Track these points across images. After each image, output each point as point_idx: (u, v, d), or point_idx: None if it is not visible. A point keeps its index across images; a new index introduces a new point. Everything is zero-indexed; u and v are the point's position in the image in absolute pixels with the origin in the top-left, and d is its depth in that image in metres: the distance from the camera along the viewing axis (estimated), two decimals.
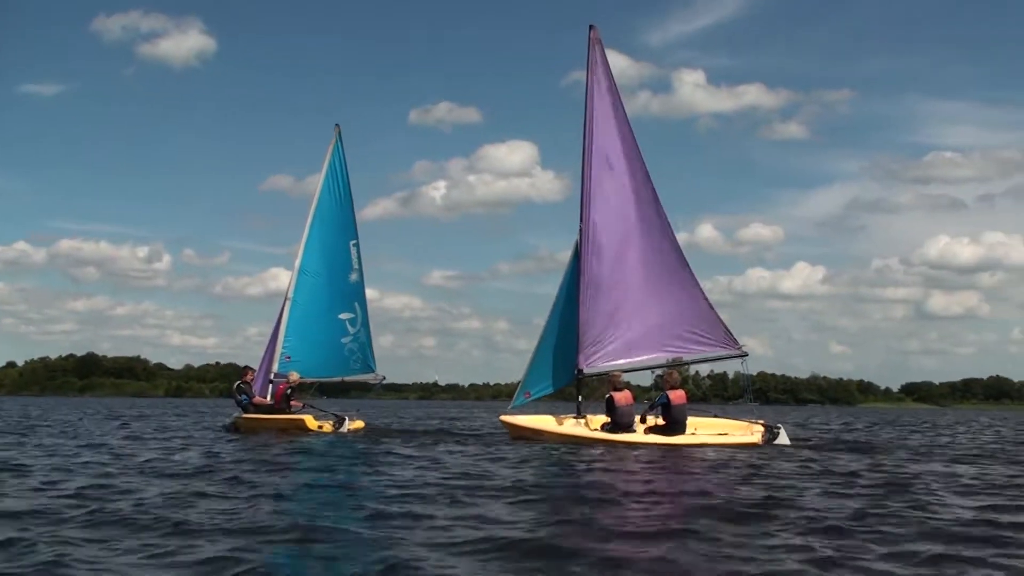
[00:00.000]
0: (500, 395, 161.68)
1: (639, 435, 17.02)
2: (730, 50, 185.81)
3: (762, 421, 17.83)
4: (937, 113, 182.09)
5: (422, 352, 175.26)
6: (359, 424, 21.31)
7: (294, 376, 21.04)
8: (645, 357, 18.55)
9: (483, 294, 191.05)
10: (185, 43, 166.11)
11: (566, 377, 18.88)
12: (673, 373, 17.51)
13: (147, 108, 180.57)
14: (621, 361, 18.48)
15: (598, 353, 18.60)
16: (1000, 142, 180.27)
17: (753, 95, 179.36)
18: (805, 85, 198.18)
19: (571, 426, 17.77)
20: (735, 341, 18.63)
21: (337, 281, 22.56)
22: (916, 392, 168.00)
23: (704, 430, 17.59)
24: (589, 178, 19.05)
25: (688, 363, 19.04)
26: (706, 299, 18.83)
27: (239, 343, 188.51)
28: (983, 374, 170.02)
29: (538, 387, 19.12)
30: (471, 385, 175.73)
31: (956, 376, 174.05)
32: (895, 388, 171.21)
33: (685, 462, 13.62)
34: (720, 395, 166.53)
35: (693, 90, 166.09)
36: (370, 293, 22.99)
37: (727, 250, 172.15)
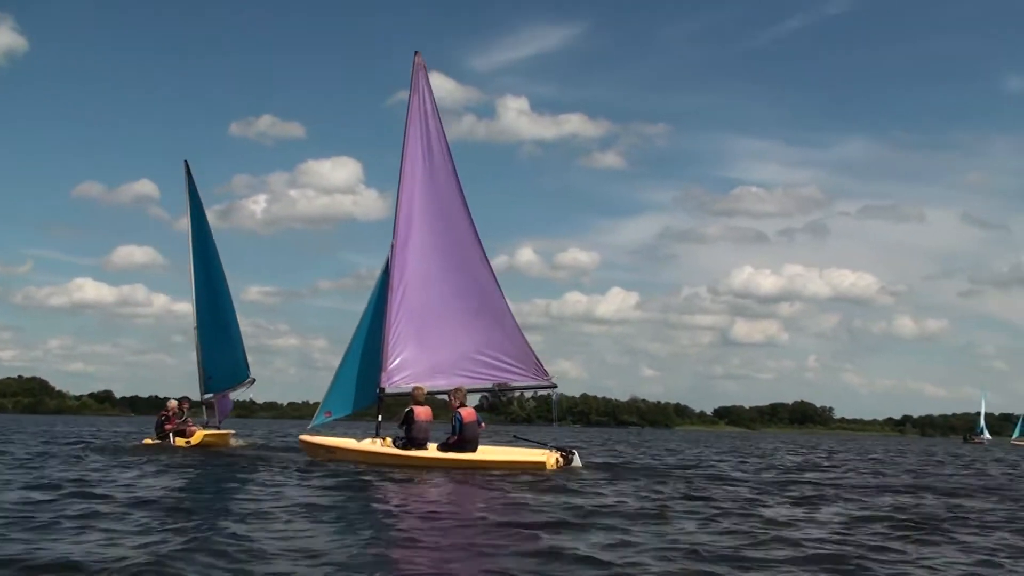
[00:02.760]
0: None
1: (431, 452, 16.99)
2: (553, 79, 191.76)
3: (558, 447, 17.53)
4: (744, 150, 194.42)
5: None
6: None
7: (171, 404, 22.97)
8: (450, 382, 18.40)
9: (302, 311, 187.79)
10: None
11: (369, 397, 18.56)
12: (460, 391, 17.34)
13: None
14: (424, 384, 18.26)
15: (401, 374, 18.37)
16: (800, 179, 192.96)
17: (575, 124, 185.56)
18: (624, 117, 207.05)
19: (366, 444, 17.63)
20: (545, 372, 18.72)
21: (221, 298, 25.19)
22: (728, 415, 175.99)
23: (500, 453, 17.61)
24: (406, 198, 18.87)
25: (496, 391, 19.01)
26: (518, 329, 18.86)
27: (39, 355, 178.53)
28: (780, 399, 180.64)
29: (339, 407, 18.77)
30: (290, 403, 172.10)
31: (756, 400, 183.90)
32: (704, 411, 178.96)
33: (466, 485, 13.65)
34: (544, 416, 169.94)
35: (517, 116, 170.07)
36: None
37: (546, 273, 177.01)
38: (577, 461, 17.29)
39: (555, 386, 18.82)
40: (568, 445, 18.18)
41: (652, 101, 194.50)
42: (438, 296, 18.72)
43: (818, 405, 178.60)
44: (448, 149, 18.91)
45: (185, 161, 25.23)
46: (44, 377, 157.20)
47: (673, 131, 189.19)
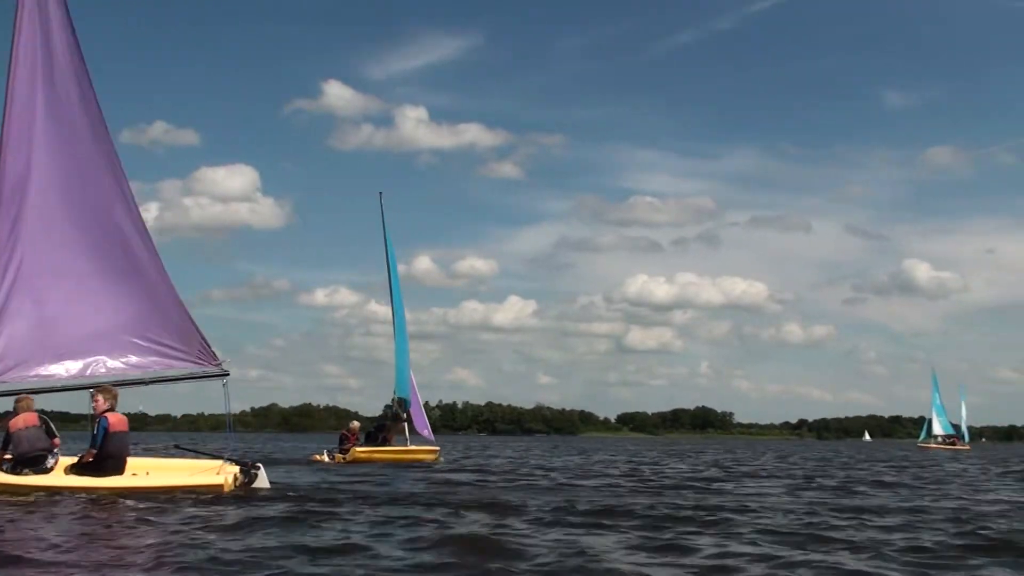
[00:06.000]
0: (220, 426, 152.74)
1: (56, 476, 12.25)
2: (451, 89, 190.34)
3: (237, 460, 13.19)
4: (639, 160, 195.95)
5: None
6: None
7: (354, 424, 26.88)
8: (84, 372, 13.36)
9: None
10: None
11: None
12: (114, 390, 12.86)
13: None
14: (47, 372, 13.19)
15: (8, 361, 13.12)
16: (693, 190, 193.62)
17: (473, 134, 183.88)
18: (521, 127, 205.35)
19: None
20: (214, 356, 13.86)
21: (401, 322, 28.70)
22: (632, 421, 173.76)
23: (159, 473, 13.00)
24: (17, 120, 13.37)
25: (148, 382, 13.86)
26: (178, 299, 13.97)
27: None
28: (675, 405, 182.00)
29: None
30: (184, 416, 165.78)
31: (650, 406, 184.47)
32: (608, 417, 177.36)
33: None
34: (449, 426, 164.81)
35: (415, 126, 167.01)
36: None
37: (443, 282, 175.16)
38: (263, 480, 13.00)
39: (227, 373, 13.87)
40: (248, 458, 13.37)
41: (549, 112, 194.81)
42: (64, 252, 13.42)
43: (719, 411, 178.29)
44: (79, 51, 13.57)
45: (379, 193, 27.03)
46: None
47: (569, 141, 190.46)
